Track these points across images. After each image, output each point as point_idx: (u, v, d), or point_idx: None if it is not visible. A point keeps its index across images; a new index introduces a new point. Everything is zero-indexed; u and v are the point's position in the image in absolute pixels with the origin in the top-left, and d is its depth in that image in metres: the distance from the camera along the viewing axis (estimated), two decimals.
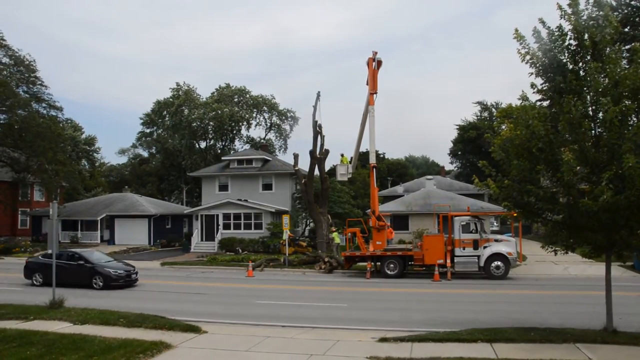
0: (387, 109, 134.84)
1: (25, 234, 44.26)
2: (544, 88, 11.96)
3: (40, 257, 22.57)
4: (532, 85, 11.68)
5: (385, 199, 45.67)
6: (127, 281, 21.12)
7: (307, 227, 42.68)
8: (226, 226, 38.53)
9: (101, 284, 20.56)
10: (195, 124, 58.33)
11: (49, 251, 19.76)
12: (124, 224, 43.18)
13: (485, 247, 23.65)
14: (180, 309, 15.81)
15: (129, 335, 11.56)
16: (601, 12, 10.84)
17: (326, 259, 27.41)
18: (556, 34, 11.06)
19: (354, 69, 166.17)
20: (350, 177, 33.17)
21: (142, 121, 66.76)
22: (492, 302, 17.50)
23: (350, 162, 31.51)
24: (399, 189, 51.60)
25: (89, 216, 42.83)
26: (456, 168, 70.83)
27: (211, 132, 61.30)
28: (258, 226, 38.08)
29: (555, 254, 12.31)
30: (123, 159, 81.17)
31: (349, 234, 29.16)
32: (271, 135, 64.56)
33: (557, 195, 11.18)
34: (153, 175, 65.28)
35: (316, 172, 35.20)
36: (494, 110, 63.28)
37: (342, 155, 32.07)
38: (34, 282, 21.34)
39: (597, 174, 10.43)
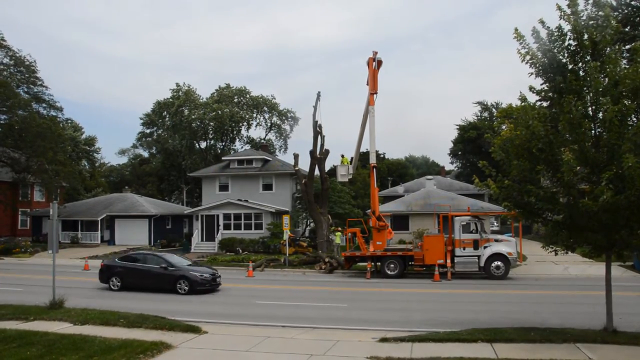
0: (388, 109, 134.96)
1: (25, 234, 44.26)
2: (544, 88, 11.96)
3: (117, 259, 21.23)
4: (531, 88, 11.70)
5: (385, 199, 45.67)
6: (212, 285, 19.70)
7: (308, 227, 42.68)
8: (226, 226, 38.54)
9: (187, 288, 19.08)
10: (195, 124, 58.35)
11: (129, 253, 19.36)
12: (124, 224, 43.19)
13: (485, 247, 23.65)
14: (181, 309, 15.81)
15: (129, 335, 11.56)
16: (601, 13, 10.84)
17: (326, 259, 27.42)
18: (556, 34, 11.07)
19: (354, 69, 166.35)
20: (351, 177, 33.17)
21: (142, 121, 66.88)
22: (492, 302, 17.50)
23: (350, 163, 31.50)
24: (399, 189, 51.59)
25: (89, 216, 42.84)
26: (456, 168, 70.84)
27: (211, 132, 61.32)
28: (258, 226, 38.09)
29: (556, 254, 12.31)
30: (123, 159, 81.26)
31: (349, 234, 29.16)
32: (271, 136, 64.68)
33: (557, 195, 11.19)
34: (153, 176, 65.30)
35: (316, 172, 35.21)
36: (494, 110, 63.27)
37: (342, 156, 32.08)
38: (112, 286, 20.01)
39: (597, 174, 10.44)
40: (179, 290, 19.10)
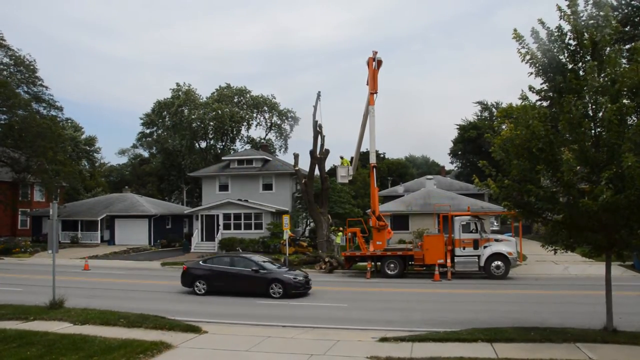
0: (388, 109, 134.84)
1: (25, 234, 44.25)
2: (544, 88, 11.96)
3: (200, 262, 20.17)
4: (531, 88, 11.70)
5: (385, 199, 45.66)
6: (305, 288, 18.74)
7: (308, 227, 42.68)
8: (226, 226, 38.52)
9: (280, 292, 18.07)
10: (195, 124, 58.33)
11: (213, 255, 18.21)
12: (124, 224, 43.19)
13: (485, 247, 23.66)
14: (181, 309, 15.81)
15: (130, 335, 11.56)
16: (601, 12, 10.84)
17: (326, 259, 27.43)
18: (555, 34, 11.07)
19: (354, 69, 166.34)
20: (351, 179, 33.17)
21: (142, 121, 66.84)
22: (492, 302, 17.51)
23: (350, 164, 31.50)
24: (399, 188, 51.58)
25: (89, 216, 42.83)
26: (456, 168, 70.83)
27: (211, 132, 61.27)
28: (258, 226, 38.07)
29: (555, 253, 12.32)
30: (123, 159, 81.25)
31: (349, 234, 29.16)
32: (271, 135, 64.60)
33: (557, 195, 11.19)
34: (153, 176, 65.28)
35: (316, 172, 35.21)
36: (494, 110, 63.27)
37: (341, 158, 32.09)
38: (196, 290, 18.96)
39: (597, 173, 10.44)
40: (273, 294, 18.06)
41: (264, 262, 19.78)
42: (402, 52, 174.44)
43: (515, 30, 11.20)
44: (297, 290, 18.35)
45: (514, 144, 11.33)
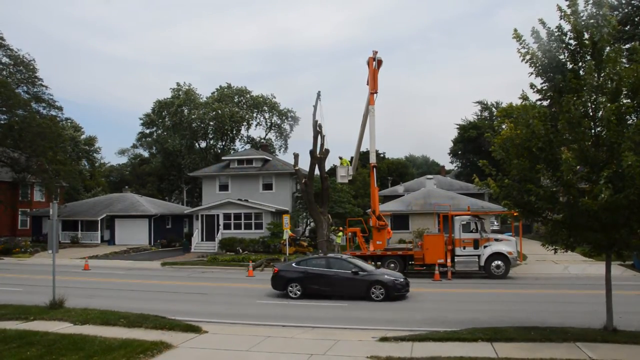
0: (388, 108, 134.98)
1: (25, 234, 44.25)
2: (544, 88, 11.96)
3: (293, 264, 19.08)
4: (532, 86, 11.70)
5: (385, 199, 45.64)
6: (406, 290, 17.94)
7: (308, 227, 42.67)
8: (226, 226, 38.52)
9: (382, 294, 17.26)
10: (195, 124, 58.32)
11: (308, 256, 17.40)
12: (124, 224, 43.19)
13: (485, 247, 23.66)
14: (181, 309, 15.80)
15: (130, 335, 11.55)
16: (600, 12, 10.83)
17: None
18: (555, 34, 11.07)
19: (354, 68, 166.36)
20: (351, 178, 33.15)
21: (142, 121, 66.84)
22: (493, 302, 17.51)
23: (350, 163, 31.49)
24: (399, 188, 51.56)
25: (89, 216, 42.84)
26: (456, 167, 70.84)
27: (211, 132, 61.27)
28: (258, 226, 38.08)
29: (555, 252, 12.32)
30: (123, 159, 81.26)
31: (350, 233, 29.15)
32: (271, 135, 64.58)
33: (557, 194, 11.19)
34: (153, 175, 65.24)
35: (316, 171, 35.19)
36: (494, 109, 63.30)
37: (340, 158, 32.08)
38: (290, 294, 18.07)
39: (597, 173, 10.43)
40: (374, 297, 17.26)
41: (361, 263, 19.04)
42: (402, 52, 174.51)
43: (515, 30, 11.20)
44: (399, 293, 17.61)
45: (514, 144, 11.33)
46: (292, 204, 40.43)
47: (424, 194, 41.58)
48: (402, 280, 17.94)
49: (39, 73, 40.65)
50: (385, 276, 17.90)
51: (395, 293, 17.40)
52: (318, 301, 17.30)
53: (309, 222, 42.14)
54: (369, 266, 19.19)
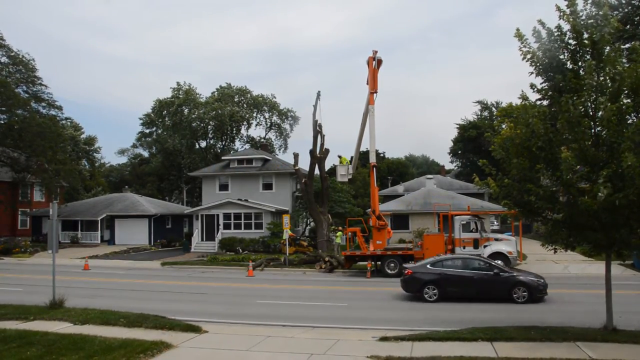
0: (388, 108, 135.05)
1: (25, 234, 44.25)
2: (544, 87, 11.96)
3: (428, 265, 18.01)
4: (532, 86, 11.71)
5: (385, 198, 45.63)
6: (545, 292, 17.05)
7: (308, 227, 42.68)
8: (226, 226, 38.52)
9: (525, 296, 16.49)
10: (195, 123, 58.32)
11: (443, 256, 16.82)
12: (124, 224, 43.19)
13: (485, 246, 23.67)
14: (181, 308, 15.81)
15: (130, 335, 11.56)
16: (600, 12, 10.83)
17: (327, 259, 27.41)
18: (555, 34, 11.07)
19: (354, 68, 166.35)
20: (351, 177, 33.16)
21: (142, 121, 66.84)
22: (493, 301, 17.47)
23: (350, 162, 31.48)
24: (399, 188, 51.55)
25: (89, 216, 42.83)
26: (456, 167, 70.85)
27: (211, 131, 61.29)
28: (258, 226, 38.08)
29: (555, 252, 12.32)
30: (123, 159, 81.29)
31: (349, 233, 29.16)
32: (271, 135, 64.61)
33: (556, 194, 11.20)
34: (153, 175, 65.26)
35: (316, 171, 35.19)
36: (494, 109, 63.31)
37: (340, 157, 32.07)
38: (426, 296, 17.19)
39: (596, 172, 10.44)
40: (516, 299, 16.48)
41: (496, 263, 18.37)
42: (402, 52, 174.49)
43: (517, 29, 11.20)
44: (540, 294, 16.84)
45: (514, 143, 11.33)
46: (292, 204, 40.43)
47: (424, 193, 41.57)
48: (542, 280, 17.18)
49: (39, 73, 40.69)
50: (528, 277, 17.17)
51: (537, 294, 16.67)
52: (453, 304, 16.67)
53: (309, 222, 42.14)
54: (504, 266, 18.49)
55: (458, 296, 16.96)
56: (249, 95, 62.03)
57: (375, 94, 27.24)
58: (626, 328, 11.66)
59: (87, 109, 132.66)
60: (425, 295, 17.28)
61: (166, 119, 60.53)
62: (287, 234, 29.84)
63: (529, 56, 11.26)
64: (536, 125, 10.75)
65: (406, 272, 18.24)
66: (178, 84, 61.02)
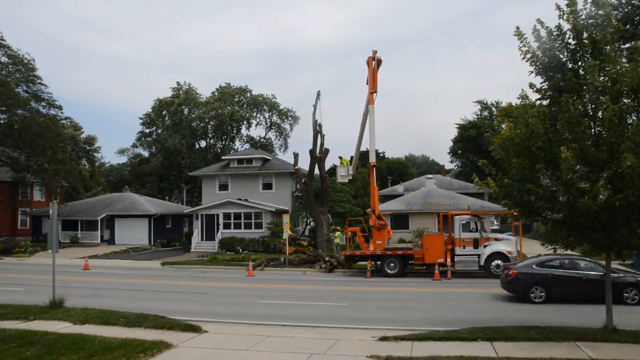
0: (388, 108, 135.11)
1: (25, 234, 44.24)
2: (544, 87, 11.95)
3: (534, 266, 17.39)
4: (532, 86, 11.70)
5: (385, 198, 45.63)
6: None
7: (308, 227, 42.68)
8: (226, 226, 38.51)
9: (636, 298, 16.09)
10: (195, 123, 58.31)
11: (549, 256, 16.33)
12: (124, 224, 43.18)
13: (485, 246, 23.66)
14: (181, 308, 15.80)
15: (130, 335, 11.55)
16: (600, 11, 10.83)
17: (326, 259, 27.42)
18: (555, 33, 11.06)
19: (354, 68, 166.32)
20: (351, 178, 33.17)
21: (142, 121, 66.80)
22: (492, 301, 17.50)
23: (350, 163, 31.48)
24: (399, 188, 51.56)
25: (89, 216, 42.83)
26: (456, 167, 70.84)
27: (211, 131, 61.26)
28: (258, 226, 38.08)
29: (555, 252, 12.32)
30: (123, 159, 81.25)
31: (349, 233, 29.16)
32: (271, 135, 64.55)
33: (556, 194, 11.19)
34: (153, 175, 65.25)
35: (316, 171, 35.19)
36: (494, 109, 63.31)
37: (340, 158, 32.09)
38: (533, 298, 16.65)
39: (596, 172, 10.43)
40: (628, 301, 15.99)
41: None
42: (402, 52, 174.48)
43: (517, 28, 11.19)
44: None
45: (514, 143, 11.33)
46: (292, 204, 40.43)
47: (424, 193, 41.57)
48: None
49: (39, 73, 40.71)
50: (637, 278, 16.74)
51: None
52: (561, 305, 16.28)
53: (308, 222, 42.13)
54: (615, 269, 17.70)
55: (567, 298, 16.49)
56: (248, 95, 62.00)
57: (375, 94, 27.25)
58: (626, 328, 11.67)
59: (87, 109, 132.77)
60: (532, 297, 16.72)
61: (166, 118, 60.50)
62: (287, 233, 29.84)
63: (528, 55, 11.26)
64: (536, 125, 10.75)
65: (510, 272, 17.43)
66: (178, 83, 61.04)
